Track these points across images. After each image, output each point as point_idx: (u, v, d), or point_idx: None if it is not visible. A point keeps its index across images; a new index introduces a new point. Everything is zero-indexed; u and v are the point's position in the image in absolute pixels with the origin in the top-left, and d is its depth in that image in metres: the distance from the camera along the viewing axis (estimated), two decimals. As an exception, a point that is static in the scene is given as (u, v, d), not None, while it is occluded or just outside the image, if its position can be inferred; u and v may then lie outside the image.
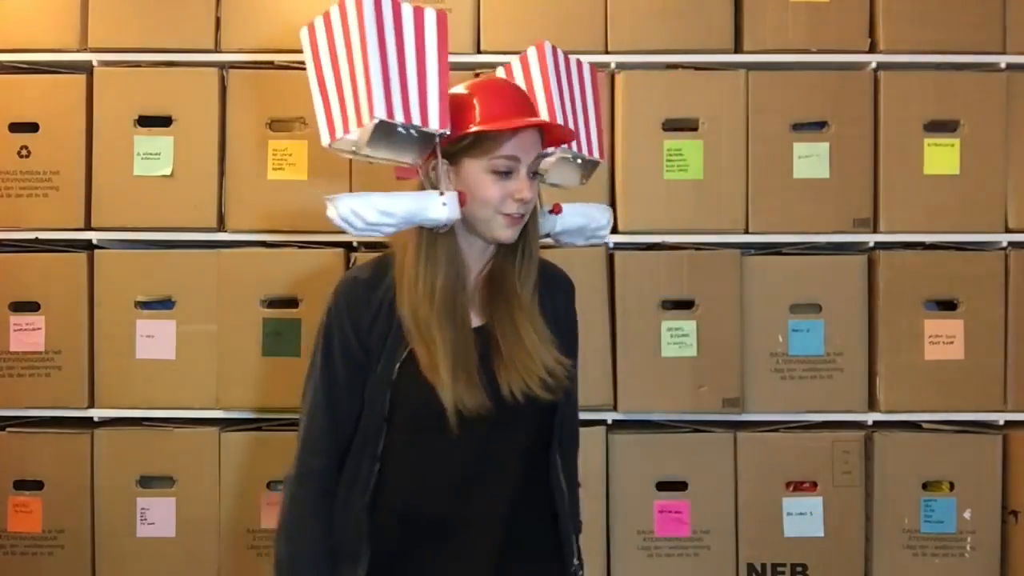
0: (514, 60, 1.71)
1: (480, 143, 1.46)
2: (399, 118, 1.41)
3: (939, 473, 2.49)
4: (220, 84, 2.54)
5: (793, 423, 2.51)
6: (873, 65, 2.53)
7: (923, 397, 2.49)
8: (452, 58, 2.49)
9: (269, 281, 2.51)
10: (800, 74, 2.53)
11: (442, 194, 1.44)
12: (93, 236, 2.54)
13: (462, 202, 1.46)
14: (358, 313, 1.51)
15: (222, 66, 2.55)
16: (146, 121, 2.55)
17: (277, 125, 2.55)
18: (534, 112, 1.54)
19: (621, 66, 2.53)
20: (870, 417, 2.51)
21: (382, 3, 1.42)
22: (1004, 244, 2.51)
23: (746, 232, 2.51)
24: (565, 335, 1.60)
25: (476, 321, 1.53)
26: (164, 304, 2.54)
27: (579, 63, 1.73)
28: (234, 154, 2.55)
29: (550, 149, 1.60)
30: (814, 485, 2.49)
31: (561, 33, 2.52)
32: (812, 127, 2.54)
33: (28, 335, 2.53)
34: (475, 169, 1.47)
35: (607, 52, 2.53)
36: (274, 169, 2.53)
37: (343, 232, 2.60)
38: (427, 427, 1.47)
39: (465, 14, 2.53)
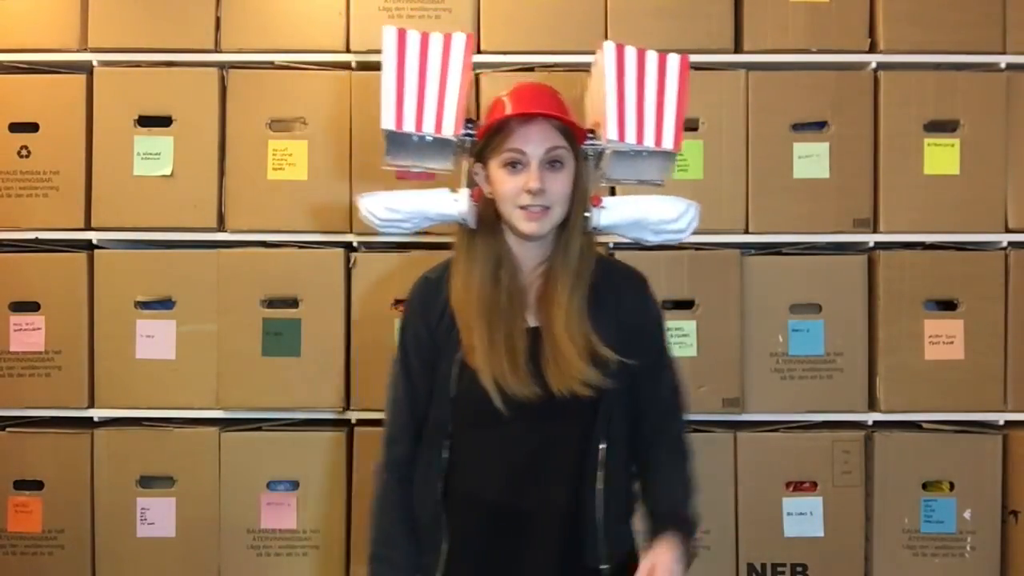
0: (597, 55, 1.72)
1: (493, 141, 1.57)
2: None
3: (939, 473, 2.49)
4: (220, 84, 2.54)
5: (793, 423, 2.51)
6: (873, 65, 2.53)
7: (923, 397, 2.49)
8: (452, 58, 2.50)
9: (269, 281, 2.51)
10: (800, 74, 2.53)
11: (454, 191, 1.58)
12: (93, 236, 2.54)
13: (476, 198, 1.59)
14: (427, 311, 1.63)
15: (222, 66, 2.55)
16: (146, 121, 2.55)
17: (277, 125, 2.55)
18: (549, 108, 1.57)
19: (621, 66, 2.53)
20: (870, 417, 2.51)
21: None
22: (1004, 244, 2.51)
23: (746, 232, 2.51)
24: (633, 335, 1.62)
25: (532, 321, 1.60)
26: (164, 304, 2.54)
27: (663, 56, 1.70)
28: (234, 154, 2.55)
29: (600, 144, 1.63)
30: (814, 485, 2.49)
31: (561, 33, 2.52)
32: (812, 127, 2.54)
33: (28, 335, 2.53)
34: (495, 167, 1.57)
35: (607, 52, 2.53)
36: (274, 169, 2.53)
37: (342, 232, 2.63)
38: (482, 413, 1.55)
39: (465, 14, 2.53)
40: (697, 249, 2.49)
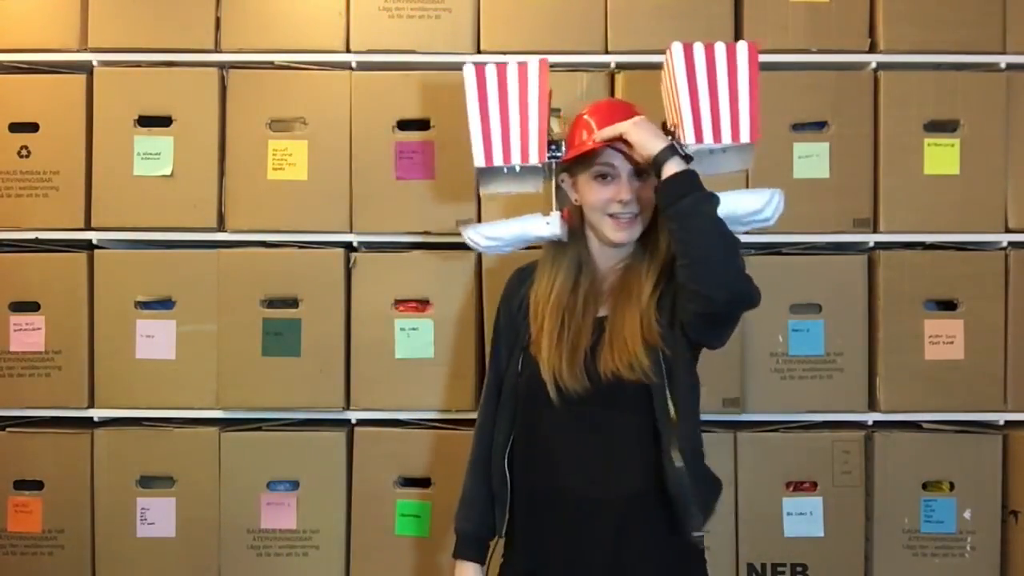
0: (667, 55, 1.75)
1: (583, 157, 1.69)
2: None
3: (939, 473, 2.49)
4: (220, 84, 2.54)
5: (793, 423, 2.51)
6: (873, 65, 2.53)
7: (923, 397, 2.49)
8: (452, 58, 2.53)
9: (269, 281, 2.51)
10: (800, 74, 2.53)
11: (546, 215, 1.72)
12: (93, 236, 2.54)
13: (566, 218, 1.73)
14: (512, 297, 1.81)
15: (222, 66, 2.55)
16: (146, 121, 2.55)
17: (277, 125, 2.55)
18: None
19: (621, 66, 2.53)
20: (870, 417, 2.51)
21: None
22: (1004, 244, 2.51)
23: (746, 232, 2.50)
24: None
25: (603, 311, 1.71)
26: (164, 304, 2.54)
27: (731, 46, 1.72)
28: (234, 154, 2.55)
29: (683, 146, 1.67)
30: (814, 485, 2.49)
31: (561, 33, 2.52)
32: (812, 127, 2.53)
33: (28, 335, 2.53)
34: (584, 179, 1.70)
35: (607, 52, 2.53)
36: (274, 169, 2.53)
37: (342, 232, 2.63)
38: (537, 398, 1.68)
39: (465, 14, 2.53)
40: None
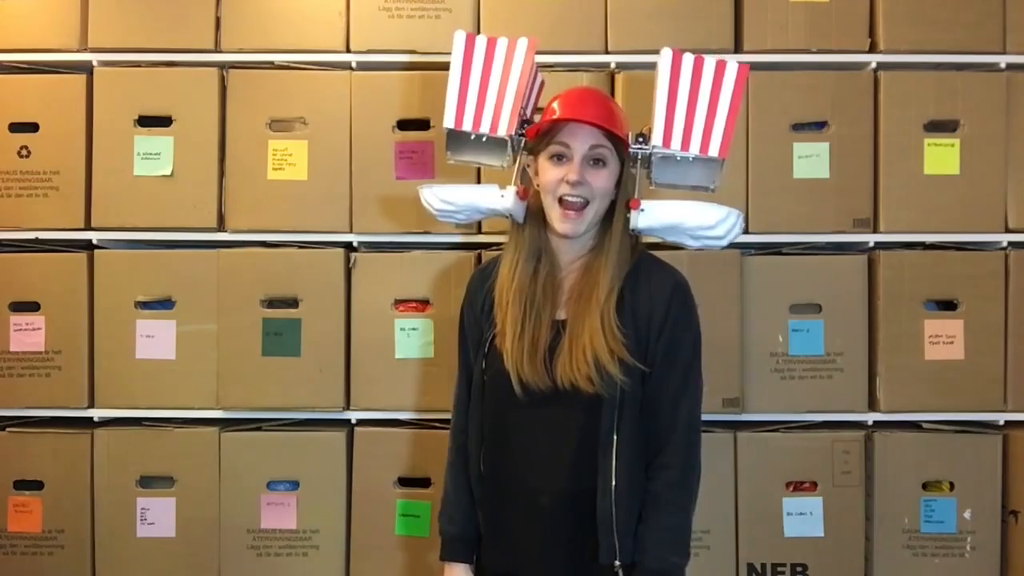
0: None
1: (544, 137, 1.69)
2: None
3: (939, 473, 2.49)
4: (220, 84, 2.54)
5: (793, 423, 2.51)
6: (873, 65, 2.53)
7: (923, 397, 2.49)
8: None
9: (269, 281, 2.51)
10: (800, 74, 2.53)
11: (503, 188, 1.70)
12: (93, 236, 2.55)
13: (521, 196, 1.70)
14: (474, 297, 1.79)
15: (222, 66, 2.55)
16: (146, 121, 2.55)
17: (277, 125, 2.55)
18: (595, 113, 1.65)
19: (621, 66, 2.53)
20: (870, 417, 2.51)
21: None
22: (1004, 244, 2.51)
23: (746, 232, 2.50)
24: (652, 335, 1.66)
25: (562, 314, 1.69)
26: (164, 304, 2.54)
27: (721, 63, 1.72)
28: (234, 154, 2.55)
29: (645, 148, 1.70)
30: (814, 485, 2.49)
31: (561, 33, 2.52)
32: (812, 127, 2.54)
33: (28, 335, 2.53)
34: (542, 159, 1.69)
35: (607, 52, 2.53)
36: (274, 169, 2.53)
37: (342, 232, 2.62)
38: (503, 392, 1.67)
39: (465, 14, 2.53)
40: (697, 249, 2.49)
